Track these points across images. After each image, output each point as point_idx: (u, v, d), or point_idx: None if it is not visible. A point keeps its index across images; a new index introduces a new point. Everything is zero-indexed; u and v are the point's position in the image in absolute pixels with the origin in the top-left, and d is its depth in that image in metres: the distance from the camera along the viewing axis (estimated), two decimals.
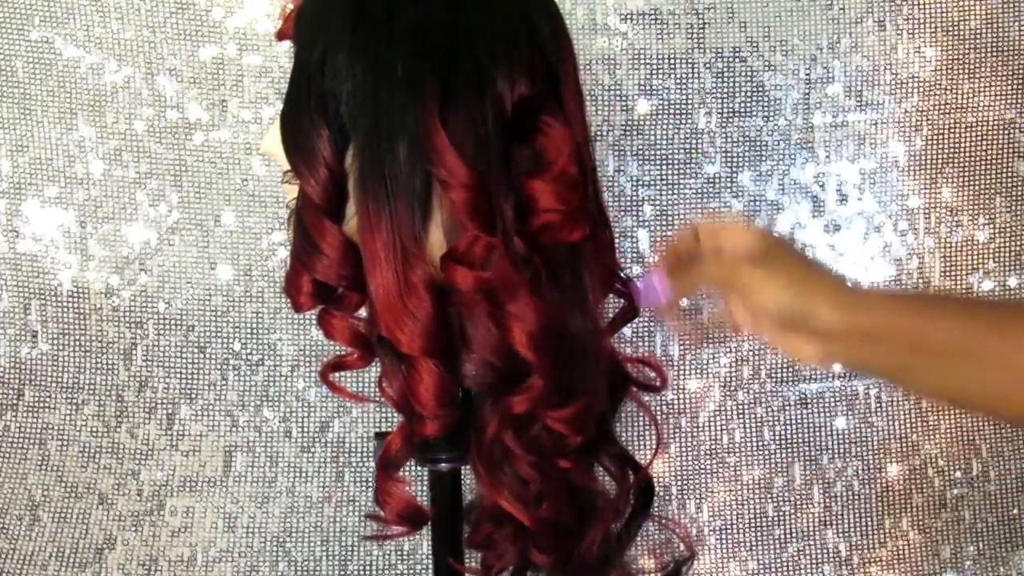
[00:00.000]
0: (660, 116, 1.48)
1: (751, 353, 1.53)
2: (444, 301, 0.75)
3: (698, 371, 1.53)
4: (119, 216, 1.50)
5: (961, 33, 1.49)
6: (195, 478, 1.53)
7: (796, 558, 1.55)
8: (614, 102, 1.48)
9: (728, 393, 1.54)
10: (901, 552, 1.56)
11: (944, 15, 1.48)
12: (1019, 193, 1.53)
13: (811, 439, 1.55)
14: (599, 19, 1.47)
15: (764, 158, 1.50)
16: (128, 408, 1.52)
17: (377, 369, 0.79)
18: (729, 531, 1.55)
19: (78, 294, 1.51)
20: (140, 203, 1.50)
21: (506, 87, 0.72)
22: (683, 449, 1.54)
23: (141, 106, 1.48)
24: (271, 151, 0.80)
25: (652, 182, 1.50)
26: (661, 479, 1.54)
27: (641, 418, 1.50)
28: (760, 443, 1.54)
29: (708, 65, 1.48)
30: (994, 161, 1.52)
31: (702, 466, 1.54)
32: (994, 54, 1.49)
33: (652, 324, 1.52)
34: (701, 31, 1.47)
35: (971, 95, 1.50)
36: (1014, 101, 1.51)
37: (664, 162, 1.49)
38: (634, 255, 1.50)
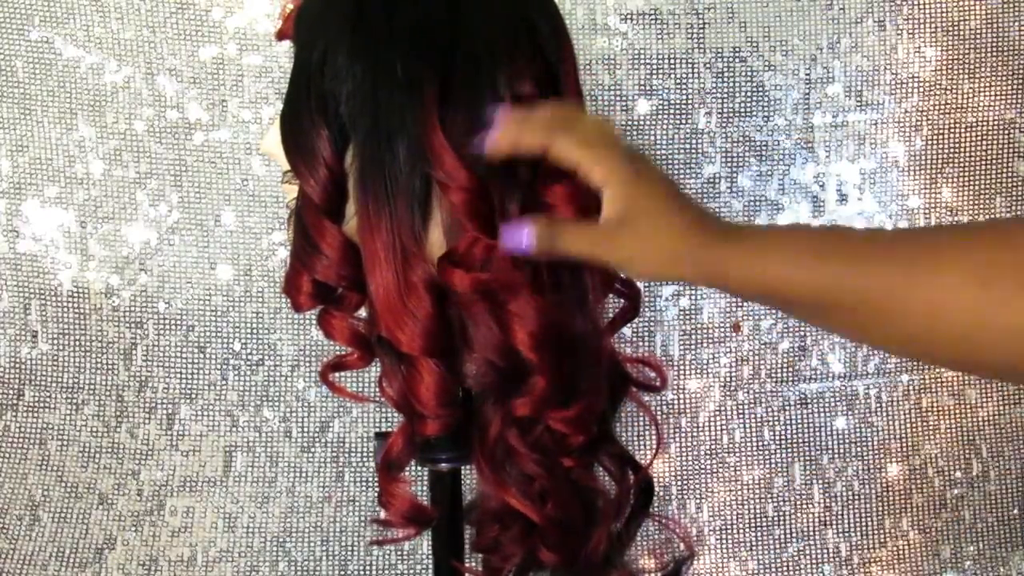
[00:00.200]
0: (660, 116, 1.48)
1: (751, 353, 1.53)
2: (444, 301, 0.75)
3: (698, 371, 1.53)
4: (119, 216, 1.50)
5: (961, 33, 1.49)
6: (195, 478, 1.53)
7: (796, 558, 1.55)
8: (614, 102, 1.48)
9: (728, 393, 1.54)
10: (901, 552, 1.57)
11: (944, 15, 1.48)
12: (1019, 193, 1.53)
13: (811, 439, 1.55)
14: (599, 19, 1.47)
15: (764, 158, 1.50)
16: (128, 408, 1.52)
17: (377, 369, 0.79)
18: (729, 531, 1.55)
19: (78, 294, 1.51)
20: (140, 203, 1.50)
21: (506, 87, 0.72)
22: (683, 449, 1.54)
23: (141, 106, 1.48)
24: (271, 151, 0.80)
25: None
26: (661, 479, 1.54)
27: (641, 418, 1.50)
28: (760, 443, 1.54)
29: (708, 65, 1.48)
30: (994, 161, 1.52)
31: (702, 466, 1.54)
32: (994, 54, 1.49)
33: (652, 324, 1.52)
34: (701, 31, 1.47)
35: (971, 95, 1.50)
36: (1014, 101, 1.51)
37: (664, 162, 1.49)
38: None
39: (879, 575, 1.56)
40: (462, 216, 0.71)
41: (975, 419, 1.57)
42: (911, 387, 1.55)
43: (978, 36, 1.49)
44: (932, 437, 1.57)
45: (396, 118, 0.72)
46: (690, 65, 1.48)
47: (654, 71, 1.48)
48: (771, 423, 1.54)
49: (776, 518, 1.55)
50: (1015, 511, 1.58)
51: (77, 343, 1.52)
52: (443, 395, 0.77)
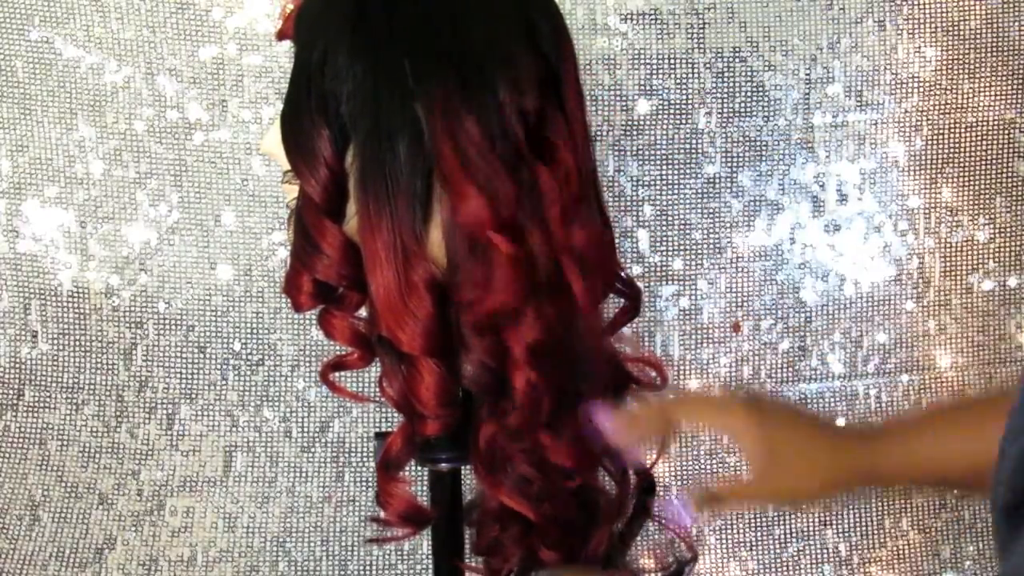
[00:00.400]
0: (660, 116, 1.48)
1: (751, 353, 1.53)
2: (444, 301, 0.75)
3: (698, 371, 1.53)
4: (119, 216, 1.50)
5: (961, 33, 1.48)
6: (195, 478, 1.53)
7: (796, 558, 1.55)
8: (614, 102, 1.48)
9: (728, 393, 1.54)
10: (901, 552, 1.57)
11: (944, 15, 1.48)
12: (1019, 193, 1.53)
13: None
14: (599, 19, 1.47)
15: (764, 158, 1.50)
16: (128, 408, 1.52)
17: (377, 369, 0.79)
18: (729, 531, 1.55)
19: (78, 294, 1.51)
20: (140, 203, 1.50)
21: (506, 87, 0.72)
22: (683, 449, 1.54)
23: (141, 106, 1.48)
24: (271, 151, 0.80)
25: (652, 182, 1.50)
26: (661, 479, 1.54)
27: None
28: None
29: (708, 65, 1.48)
30: (994, 161, 1.52)
31: (702, 466, 1.54)
32: (994, 54, 1.49)
33: (652, 324, 1.52)
34: (701, 31, 1.47)
35: (971, 95, 1.50)
36: (1014, 101, 1.51)
37: (664, 162, 1.49)
38: (634, 255, 1.50)
39: (879, 575, 1.56)
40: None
41: None
42: (911, 387, 1.55)
43: (978, 36, 1.49)
44: None
45: (397, 118, 0.72)
46: (690, 65, 1.48)
47: (654, 71, 1.48)
48: None
49: (776, 518, 1.55)
50: None
51: (77, 343, 1.52)
52: (443, 395, 0.77)
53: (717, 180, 1.50)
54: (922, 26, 1.48)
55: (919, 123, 1.50)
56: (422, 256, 0.74)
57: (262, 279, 1.51)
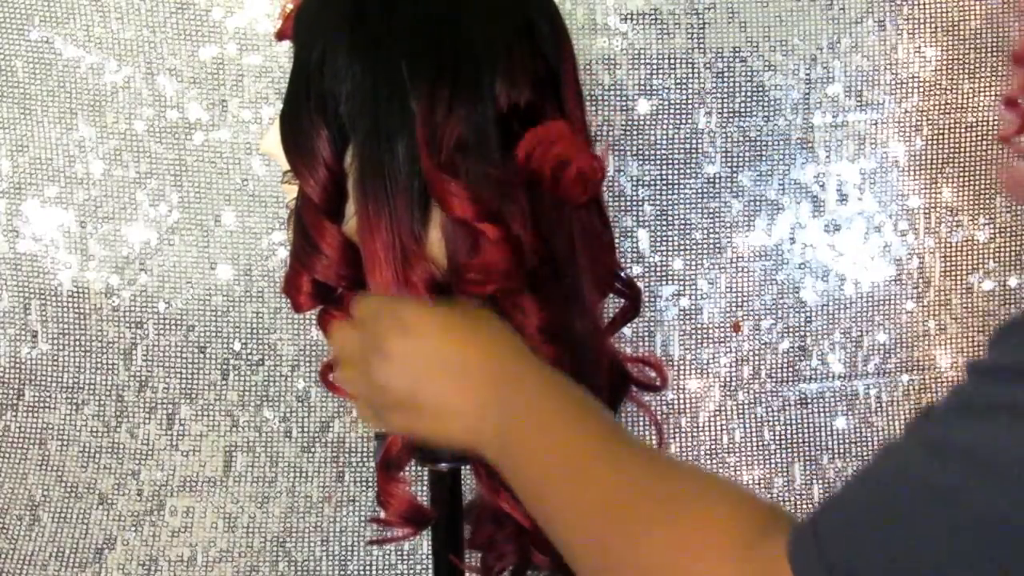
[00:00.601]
0: (660, 116, 1.48)
1: (751, 353, 1.53)
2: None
3: (698, 371, 1.53)
4: (119, 216, 1.50)
5: (961, 33, 1.48)
6: (195, 478, 1.53)
7: None
8: (614, 102, 1.48)
9: (728, 393, 1.54)
10: None
11: (944, 15, 1.48)
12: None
13: (811, 439, 1.55)
14: (599, 19, 1.47)
15: (764, 158, 1.50)
16: (128, 408, 1.52)
17: None
18: None
19: (78, 294, 1.51)
20: (140, 203, 1.50)
21: (506, 87, 0.72)
22: (683, 449, 1.54)
23: (141, 106, 1.48)
24: (271, 151, 0.80)
25: (652, 182, 1.50)
26: None
27: (641, 418, 1.50)
28: (760, 443, 1.54)
29: (708, 65, 1.48)
30: (994, 161, 1.52)
31: (702, 466, 1.54)
32: (994, 54, 1.49)
33: (652, 324, 1.52)
34: (701, 31, 1.47)
35: (971, 95, 1.50)
36: None
37: (664, 162, 1.49)
38: (634, 255, 1.50)
39: None
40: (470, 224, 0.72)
41: None
42: (911, 387, 1.55)
43: (978, 36, 1.49)
44: None
45: (396, 118, 0.72)
46: (690, 65, 1.48)
47: (654, 71, 1.48)
48: (771, 423, 1.54)
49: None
50: None
51: (77, 343, 1.52)
52: None
53: (717, 180, 1.50)
54: (922, 26, 1.48)
55: (919, 123, 1.50)
56: (421, 256, 0.74)
57: (262, 279, 1.51)
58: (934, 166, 1.51)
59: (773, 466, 1.55)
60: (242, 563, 1.53)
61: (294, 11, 0.79)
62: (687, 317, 1.52)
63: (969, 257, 1.53)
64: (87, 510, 1.52)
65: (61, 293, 1.51)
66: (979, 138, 1.51)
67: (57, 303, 1.51)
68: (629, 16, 1.47)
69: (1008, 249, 1.54)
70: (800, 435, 1.55)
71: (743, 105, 1.48)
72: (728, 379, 1.53)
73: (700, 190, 1.50)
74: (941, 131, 1.51)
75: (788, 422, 1.55)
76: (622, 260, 1.47)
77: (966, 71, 1.49)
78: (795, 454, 1.55)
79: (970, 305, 1.54)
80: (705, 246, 1.51)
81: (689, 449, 1.54)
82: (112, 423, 1.52)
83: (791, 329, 1.53)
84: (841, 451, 1.55)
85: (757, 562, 0.53)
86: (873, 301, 1.53)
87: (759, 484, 1.55)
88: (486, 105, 0.72)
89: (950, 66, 1.49)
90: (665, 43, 1.47)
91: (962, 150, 1.51)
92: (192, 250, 1.51)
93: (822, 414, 1.54)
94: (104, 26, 1.46)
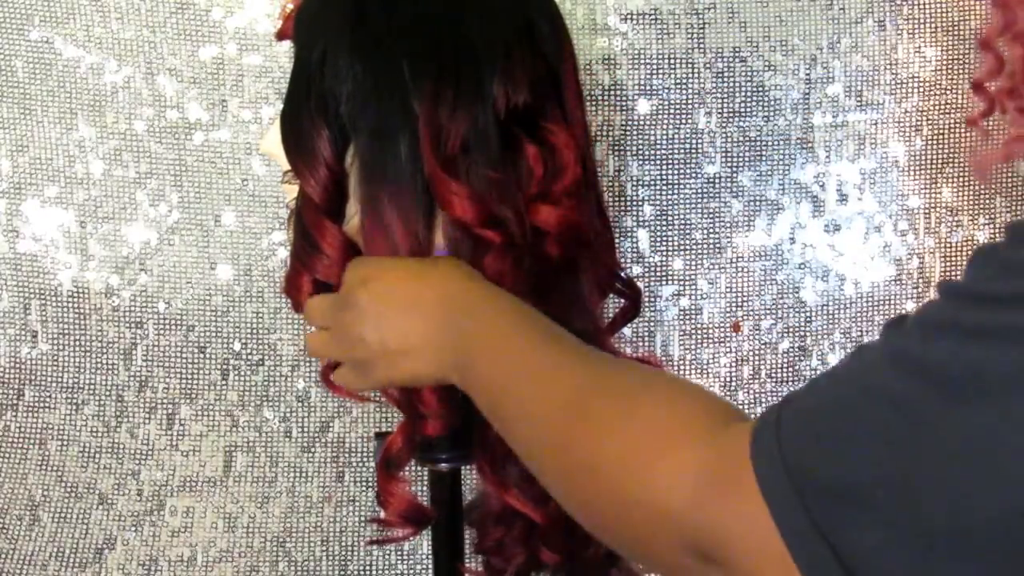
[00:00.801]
0: (660, 116, 1.48)
1: (751, 353, 1.53)
2: None
3: (698, 371, 1.53)
4: (119, 216, 1.50)
5: (961, 33, 1.48)
6: (195, 478, 1.53)
7: None
8: (614, 102, 1.48)
9: (728, 393, 1.54)
10: None
11: (944, 15, 1.48)
12: (1019, 193, 1.53)
13: None
14: (599, 19, 1.47)
15: (764, 158, 1.50)
16: (128, 408, 1.52)
17: None
18: None
19: (78, 294, 1.51)
20: (140, 203, 1.50)
21: (506, 87, 0.72)
22: None
23: (141, 106, 1.48)
24: (271, 151, 0.80)
25: (652, 182, 1.50)
26: None
27: None
28: None
29: (708, 65, 1.48)
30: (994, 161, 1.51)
31: None
32: None
33: (652, 324, 1.52)
34: (701, 31, 1.47)
35: (971, 95, 1.50)
36: None
37: (664, 162, 1.49)
38: (634, 255, 1.50)
39: None
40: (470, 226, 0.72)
41: None
42: None
43: (978, 36, 1.49)
44: None
45: (397, 118, 0.72)
46: (690, 65, 1.48)
47: (654, 71, 1.48)
48: None
49: None
50: None
51: (77, 343, 1.52)
52: (445, 394, 0.77)
53: (717, 180, 1.50)
54: (922, 26, 1.48)
55: (919, 123, 1.50)
56: (422, 256, 0.74)
57: (262, 279, 1.51)
58: (934, 166, 1.51)
59: None
60: (242, 563, 1.53)
61: (294, 11, 0.79)
62: (687, 317, 1.52)
63: (969, 257, 1.53)
64: (87, 510, 1.52)
65: (61, 293, 1.51)
66: (979, 138, 1.51)
67: (57, 303, 1.51)
68: (629, 16, 1.47)
69: None
70: None
71: (743, 105, 1.48)
72: (728, 379, 1.53)
73: (700, 190, 1.50)
74: (941, 131, 1.51)
75: None
76: (622, 260, 1.47)
77: (966, 71, 1.49)
78: None
79: None
80: (705, 246, 1.51)
81: None
82: (112, 423, 1.52)
83: (791, 329, 1.53)
84: None
85: (717, 449, 0.54)
86: (873, 301, 1.53)
87: None
88: (487, 105, 0.72)
89: (950, 66, 1.49)
90: (665, 43, 1.47)
91: (962, 150, 1.51)
92: (192, 250, 1.51)
93: None
94: (104, 26, 1.46)
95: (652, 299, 1.51)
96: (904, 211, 1.52)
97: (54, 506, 1.52)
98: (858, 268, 1.52)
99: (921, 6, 1.48)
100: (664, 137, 1.49)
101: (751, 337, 1.52)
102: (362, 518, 1.53)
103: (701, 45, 1.47)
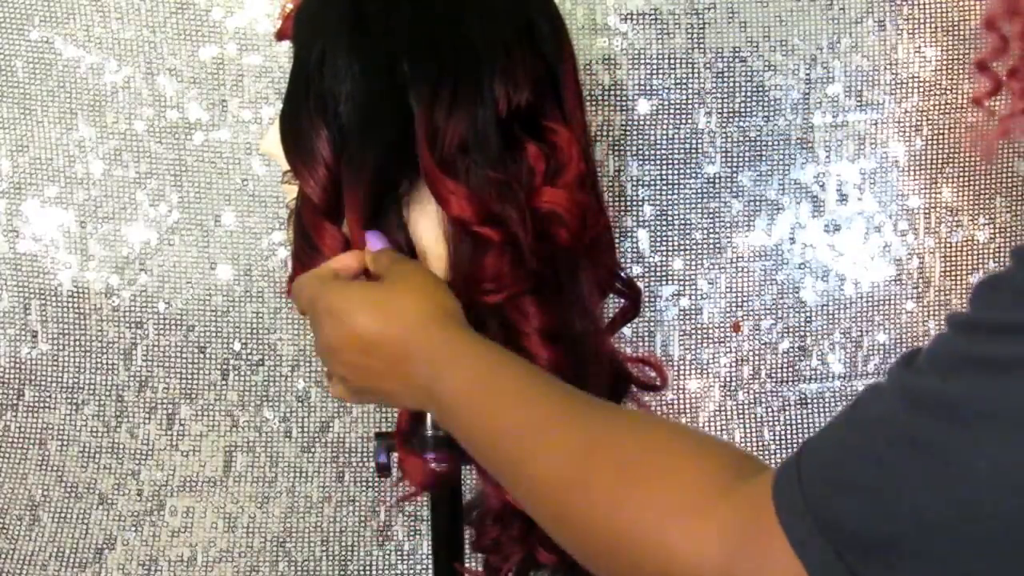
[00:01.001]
0: (660, 116, 1.48)
1: (751, 353, 1.53)
2: None
3: (698, 371, 1.53)
4: (119, 216, 1.50)
5: (961, 33, 1.48)
6: (195, 478, 1.53)
7: None
8: (614, 102, 1.48)
9: (728, 393, 1.54)
10: None
11: (944, 15, 1.48)
12: (1019, 193, 1.53)
13: None
14: (599, 19, 1.47)
15: (764, 158, 1.50)
16: (128, 408, 1.52)
17: None
18: None
19: (78, 294, 1.51)
20: (140, 203, 1.50)
21: (507, 87, 0.72)
22: None
23: (141, 106, 1.48)
24: (271, 151, 0.80)
25: (652, 182, 1.50)
26: None
27: None
28: (760, 443, 1.54)
29: (708, 65, 1.48)
30: (994, 161, 1.52)
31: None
32: None
33: (652, 324, 1.52)
34: (701, 31, 1.47)
35: (971, 95, 1.50)
36: None
37: (664, 162, 1.49)
38: (634, 255, 1.50)
39: None
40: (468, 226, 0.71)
41: None
42: None
43: (978, 36, 1.49)
44: None
45: (396, 117, 0.72)
46: (690, 65, 1.48)
47: (654, 71, 1.48)
48: (771, 423, 1.54)
49: None
50: None
51: (77, 343, 1.52)
52: None
53: (717, 180, 1.50)
54: (922, 26, 1.48)
55: (919, 123, 1.50)
56: (422, 257, 0.74)
57: (262, 279, 1.51)
58: (934, 166, 1.51)
59: (773, 466, 1.54)
60: (242, 563, 1.53)
61: (294, 11, 0.79)
62: (687, 317, 1.52)
63: (969, 257, 1.53)
64: (87, 510, 1.52)
65: (61, 293, 1.51)
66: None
67: (57, 303, 1.51)
68: (629, 16, 1.47)
69: (1008, 249, 1.53)
70: (800, 435, 1.54)
71: (743, 105, 1.48)
72: (728, 379, 1.53)
73: (700, 190, 1.50)
74: (941, 131, 1.51)
75: (788, 422, 1.55)
76: (622, 260, 1.47)
77: (966, 71, 1.49)
78: None
79: None
80: (705, 246, 1.51)
81: None
82: (112, 423, 1.52)
83: (791, 329, 1.53)
84: None
85: (738, 509, 0.53)
86: (873, 301, 1.53)
87: None
88: (487, 105, 0.72)
89: (950, 66, 1.49)
90: (665, 43, 1.47)
91: (962, 150, 1.51)
92: (192, 250, 1.51)
93: (822, 414, 1.54)
94: (104, 26, 1.46)
95: (652, 299, 1.51)
96: (904, 211, 1.52)
97: (54, 506, 1.52)
98: (858, 268, 1.52)
99: (921, 6, 1.48)
100: (664, 137, 1.49)
101: (751, 337, 1.52)
102: (362, 518, 1.53)
103: (701, 45, 1.47)
